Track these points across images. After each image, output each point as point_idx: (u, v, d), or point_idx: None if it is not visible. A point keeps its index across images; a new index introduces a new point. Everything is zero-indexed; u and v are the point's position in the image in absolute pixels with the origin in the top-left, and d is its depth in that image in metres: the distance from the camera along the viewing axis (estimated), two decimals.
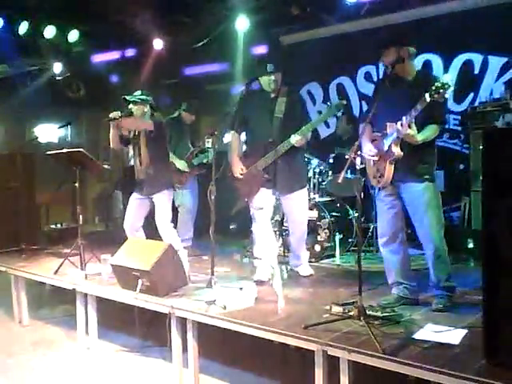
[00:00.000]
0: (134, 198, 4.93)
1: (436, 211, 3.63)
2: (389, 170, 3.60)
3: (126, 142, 5.01)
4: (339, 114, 6.12)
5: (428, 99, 3.27)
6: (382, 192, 3.77)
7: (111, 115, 4.71)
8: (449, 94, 3.34)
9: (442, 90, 3.23)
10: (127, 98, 4.77)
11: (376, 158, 3.69)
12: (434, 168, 3.70)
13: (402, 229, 3.83)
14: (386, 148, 3.60)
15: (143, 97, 4.81)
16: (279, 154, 4.53)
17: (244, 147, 4.98)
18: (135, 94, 4.82)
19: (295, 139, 4.46)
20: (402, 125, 3.40)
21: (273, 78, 4.56)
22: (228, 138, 6.45)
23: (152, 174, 4.81)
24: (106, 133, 4.98)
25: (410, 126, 3.41)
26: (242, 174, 4.70)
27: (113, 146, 4.97)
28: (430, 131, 3.56)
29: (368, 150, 3.72)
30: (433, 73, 6.11)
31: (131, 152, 5.02)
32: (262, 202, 4.63)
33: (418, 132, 3.49)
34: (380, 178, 3.67)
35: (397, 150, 3.53)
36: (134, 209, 4.92)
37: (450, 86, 3.23)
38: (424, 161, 3.65)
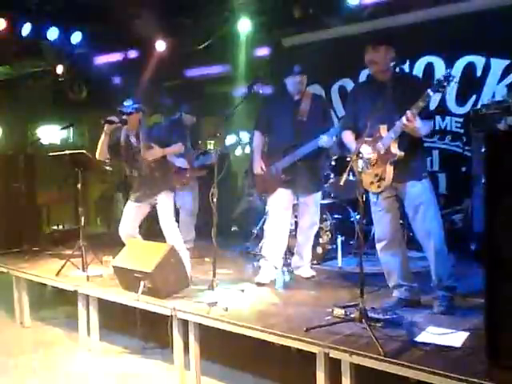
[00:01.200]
0: (132, 204, 4.88)
1: (435, 208, 3.66)
2: (389, 172, 3.59)
3: (113, 153, 4.84)
4: None
5: (432, 94, 3.30)
6: (377, 196, 3.76)
7: (110, 118, 4.66)
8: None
9: (446, 83, 3.24)
10: (123, 110, 4.67)
11: (374, 158, 3.64)
12: (427, 165, 3.76)
13: (400, 231, 3.86)
14: (383, 151, 3.59)
15: (136, 105, 4.71)
16: (301, 156, 4.56)
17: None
18: (126, 103, 4.71)
19: (324, 140, 4.47)
20: (408, 119, 3.38)
21: (299, 79, 4.57)
22: (230, 140, 6.45)
23: (156, 176, 4.79)
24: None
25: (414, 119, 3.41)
26: (262, 172, 4.74)
27: (100, 155, 4.77)
28: (428, 125, 3.61)
29: (366, 151, 3.66)
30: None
31: (127, 168, 4.89)
32: (281, 202, 4.67)
33: None
34: (380, 181, 3.65)
35: (397, 151, 3.53)
36: (132, 215, 4.86)
37: (454, 76, 3.23)
38: (419, 158, 3.71)
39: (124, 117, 4.65)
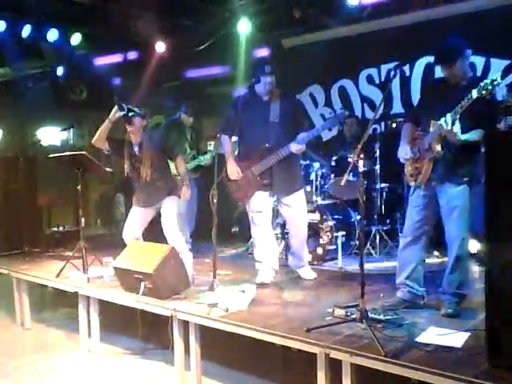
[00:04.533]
0: (137, 209, 4.88)
1: (467, 218, 3.54)
2: (426, 168, 3.56)
3: (113, 148, 4.80)
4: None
5: (475, 95, 3.24)
6: (417, 192, 3.71)
7: (123, 104, 4.61)
8: (500, 93, 3.32)
9: (490, 87, 3.20)
10: (134, 109, 4.67)
11: (413, 157, 3.63)
12: (477, 172, 3.45)
13: (427, 233, 3.74)
14: (426, 146, 3.55)
15: (142, 112, 4.75)
16: (277, 160, 4.51)
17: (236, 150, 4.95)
18: (135, 109, 4.73)
19: (295, 148, 4.43)
20: (445, 122, 3.36)
21: (269, 79, 4.48)
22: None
23: (159, 185, 4.79)
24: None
25: (453, 124, 3.35)
26: (238, 178, 4.67)
27: (96, 141, 4.70)
28: (475, 134, 3.44)
29: (404, 153, 3.67)
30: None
31: (127, 167, 4.86)
32: (260, 205, 4.62)
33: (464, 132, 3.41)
34: (417, 176, 3.63)
35: (437, 148, 3.48)
36: (137, 220, 4.87)
37: (498, 82, 3.19)
38: (466, 163, 3.52)
39: (130, 114, 4.62)
